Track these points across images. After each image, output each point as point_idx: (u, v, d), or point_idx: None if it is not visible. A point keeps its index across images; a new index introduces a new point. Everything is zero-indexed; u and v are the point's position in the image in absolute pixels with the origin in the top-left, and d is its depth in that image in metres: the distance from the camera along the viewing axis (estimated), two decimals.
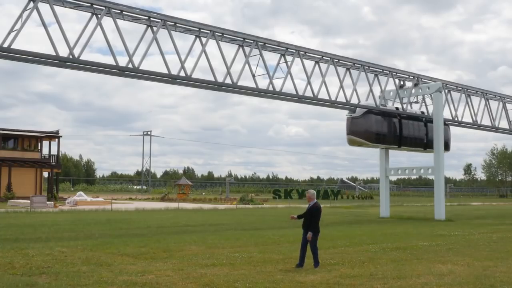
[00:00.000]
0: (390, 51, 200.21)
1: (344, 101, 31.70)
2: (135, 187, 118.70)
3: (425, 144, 36.90)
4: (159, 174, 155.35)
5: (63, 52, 21.49)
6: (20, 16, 20.60)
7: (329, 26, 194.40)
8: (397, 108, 35.20)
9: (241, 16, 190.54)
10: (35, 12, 20.66)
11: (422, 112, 37.00)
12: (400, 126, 35.13)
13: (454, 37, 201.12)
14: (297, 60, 29.65)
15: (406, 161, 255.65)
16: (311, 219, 12.70)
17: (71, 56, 21.51)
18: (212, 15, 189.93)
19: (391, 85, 36.57)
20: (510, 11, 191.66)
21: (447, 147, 38.10)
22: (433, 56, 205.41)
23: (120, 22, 23.32)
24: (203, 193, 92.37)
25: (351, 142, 33.98)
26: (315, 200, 12.93)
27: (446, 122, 37.57)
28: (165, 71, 24.40)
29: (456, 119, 39.17)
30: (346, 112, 33.15)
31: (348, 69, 32.25)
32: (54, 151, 61.23)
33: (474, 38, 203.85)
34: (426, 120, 36.93)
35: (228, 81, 26.42)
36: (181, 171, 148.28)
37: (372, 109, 33.25)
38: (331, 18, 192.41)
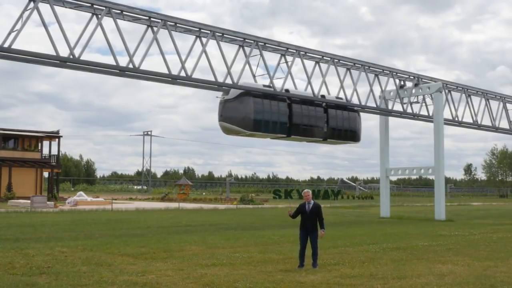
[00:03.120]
0: (389, 51, 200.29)
1: (345, 101, 31.72)
2: (135, 187, 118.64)
3: (325, 133, 31.18)
4: (159, 174, 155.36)
5: (64, 52, 21.54)
6: (21, 16, 20.62)
7: (327, 26, 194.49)
8: (287, 90, 29.07)
9: (239, 16, 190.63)
10: (35, 12, 20.67)
11: (323, 96, 30.81)
12: (290, 111, 29.20)
13: (453, 37, 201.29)
14: (297, 60, 29.69)
15: (406, 161, 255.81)
16: (317, 218, 12.71)
17: (71, 56, 21.53)
18: (211, 16, 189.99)
19: (391, 85, 36.61)
20: (508, 11, 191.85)
21: (354, 137, 32.74)
22: (431, 56, 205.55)
23: (120, 22, 23.35)
24: (203, 193, 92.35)
25: (225, 130, 28.12)
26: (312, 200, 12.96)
27: (355, 108, 32.69)
28: (165, 71, 24.42)
29: (456, 119, 39.17)
30: (219, 94, 27.71)
31: (348, 69, 32.27)
32: (54, 151, 61.31)
33: (472, 38, 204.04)
34: (327, 106, 31.20)
35: (228, 81, 26.43)
36: (181, 171, 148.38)
37: (251, 90, 27.43)
38: (330, 18, 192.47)
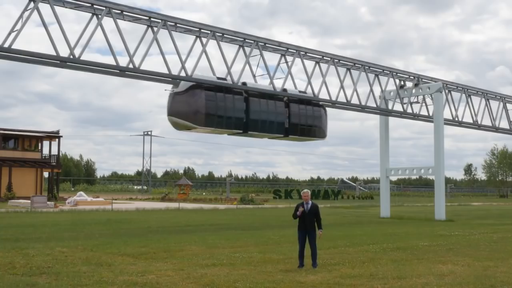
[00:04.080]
0: (389, 51, 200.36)
1: (345, 101, 31.73)
2: (135, 187, 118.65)
3: (287, 129, 29.21)
4: (159, 174, 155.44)
5: (64, 52, 21.55)
6: (21, 16, 20.62)
7: (327, 27, 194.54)
8: (244, 83, 27.39)
9: (239, 16, 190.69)
10: (35, 12, 20.68)
11: (284, 90, 28.88)
12: (247, 105, 27.31)
13: (452, 38, 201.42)
14: (298, 60, 29.69)
15: (406, 161, 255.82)
16: (315, 218, 12.71)
17: (71, 56, 21.53)
18: (211, 16, 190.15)
19: (391, 85, 36.61)
20: (507, 11, 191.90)
21: (319, 133, 30.90)
22: (431, 56, 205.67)
23: (120, 22, 23.35)
24: (204, 193, 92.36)
25: (175, 125, 26.33)
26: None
27: (320, 103, 30.84)
28: (165, 71, 24.42)
29: (456, 119, 39.17)
30: (170, 86, 25.91)
31: (348, 69, 32.28)
32: (54, 151, 61.33)
33: (472, 38, 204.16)
34: (289, 100, 29.33)
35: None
36: (181, 171, 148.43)
37: (202, 82, 25.66)
38: (329, 18, 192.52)
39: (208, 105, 25.53)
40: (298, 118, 29.38)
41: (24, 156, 57.09)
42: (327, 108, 31.27)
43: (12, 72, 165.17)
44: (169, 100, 25.91)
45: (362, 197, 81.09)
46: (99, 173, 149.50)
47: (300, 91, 29.60)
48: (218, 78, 26.24)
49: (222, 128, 26.77)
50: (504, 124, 44.11)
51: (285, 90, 28.78)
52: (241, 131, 27.51)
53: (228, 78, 26.46)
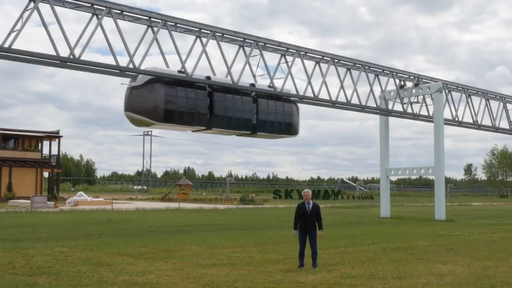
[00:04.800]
0: (388, 51, 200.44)
1: (345, 101, 31.73)
2: (135, 187, 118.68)
3: (255, 126, 27.63)
4: (159, 174, 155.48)
5: (64, 52, 21.54)
6: (21, 16, 20.62)
7: (326, 27, 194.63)
8: (208, 77, 25.86)
9: (238, 16, 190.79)
10: (35, 12, 20.68)
11: (252, 85, 27.54)
12: (211, 101, 25.84)
13: (452, 38, 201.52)
14: (298, 60, 29.69)
15: (406, 161, 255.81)
16: (316, 218, 12.72)
17: (71, 56, 21.53)
18: (210, 16, 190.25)
19: (391, 85, 36.61)
20: (506, 11, 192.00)
21: (289, 130, 29.12)
22: (431, 56, 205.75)
23: (120, 22, 23.33)
24: (204, 193, 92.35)
25: (132, 121, 24.82)
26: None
27: (291, 98, 29.31)
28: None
29: (456, 119, 39.17)
30: (127, 80, 24.47)
31: (348, 69, 32.27)
32: (54, 151, 61.35)
33: (471, 38, 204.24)
34: (257, 95, 27.75)
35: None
36: (181, 171, 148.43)
37: (162, 76, 24.29)
38: (329, 18, 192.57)
39: (167, 100, 24.17)
40: (267, 115, 27.95)
41: (24, 156, 57.09)
42: (299, 104, 29.97)
43: (12, 72, 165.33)
44: (126, 95, 24.27)
45: (362, 197, 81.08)
46: (99, 173, 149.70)
47: (269, 86, 28.22)
48: (179, 71, 24.87)
49: (183, 125, 25.44)
50: (504, 124, 44.15)
51: (253, 85, 27.53)
52: (204, 128, 26.19)
53: (192, 73, 25.25)
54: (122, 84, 24.48)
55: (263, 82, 28.46)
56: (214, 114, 25.89)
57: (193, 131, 27.41)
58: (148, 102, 23.98)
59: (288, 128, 28.98)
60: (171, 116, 24.48)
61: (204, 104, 25.56)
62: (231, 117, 26.46)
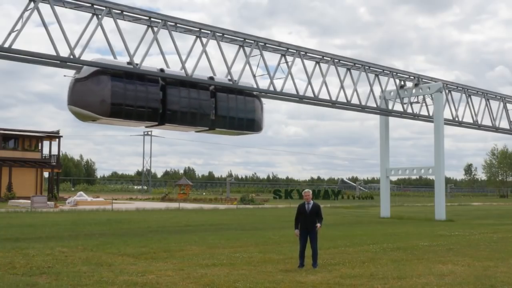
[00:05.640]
0: (388, 51, 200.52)
1: (345, 101, 31.73)
2: (135, 187, 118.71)
3: (213, 121, 26.06)
4: (159, 174, 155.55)
5: (64, 52, 21.53)
6: (21, 16, 20.62)
7: (326, 27, 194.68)
8: (161, 70, 24.35)
9: (238, 16, 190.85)
10: (35, 12, 20.68)
11: (211, 78, 25.94)
12: (164, 95, 24.25)
13: (451, 38, 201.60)
14: (298, 60, 29.69)
15: (406, 161, 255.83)
16: (317, 218, 12.71)
17: (71, 56, 21.52)
18: (210, 16, 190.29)
19: (391, 85, 36.60)
20: (506, 11, 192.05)
21: (252, 126, 27.51)
22: (430, 56, 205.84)
23: (120, 22, 23.33)
24: (204, 193, 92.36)
25: (77, 116, 23.03)
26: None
27: (255, 93, 27.76)
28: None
29: (456, 119, 39.17)
30: (72, 72, 22.68)
31: (348, 69, 32.27)
32: (54, 151, 61.35)
33: (471, 38, 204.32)
34: (216, 89, 26.14)
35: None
36: (181, 171, 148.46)
37: (109, 68, 22.65)
38: (328, 18, 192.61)
39: (114, 94, 22.51)
40: (227, 110, 26.35)
41: (24, 156, 57.09)
42: (263, 100, 28.44)
43: (12, 72, 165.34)
44: (69, 87, 22.50)
45: (362, 197, 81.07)
46: (99, 173, 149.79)
47: (230, 80, 26.64)
48: (128, 63, 23.24)
49: (133, 120, 23.86)
50: (504, 124, 44.15)
51: (211, 78, 25.95)
52: (156, 123, 24.72)
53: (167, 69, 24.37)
54: (65, 76, 22.83)
55: (263, 82, 28.45)
56: (168, 108, 24.31)
57: (146, 127, 26.29)
58: (93, 95, 22.34)
59: (250, 124, 27.38)
60: (119, 111, 22.85)
61: (156, 98, 23.97)
62: (186, 112, 24.88)
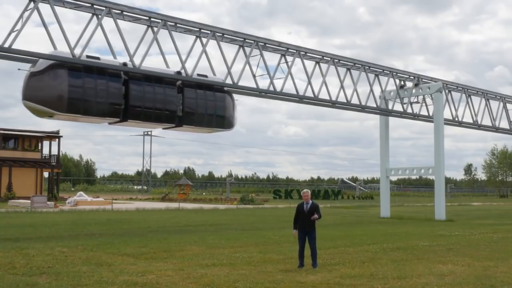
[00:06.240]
0: (388, 51, 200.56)
1: (345, 101, 31.73)
2: (135, 187, 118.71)
3: (180, 118, 24.91)
4: (159, 174, 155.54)
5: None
6: (21, 16, 20.61)
7: (325, 27, 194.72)
8: (124, 64, 23.21)
9: (237, 16, 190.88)
10: (35, 12, 20.67)
11: (179, 72, 24.86)
12: (126, 90, 23.07)
13: (451, 38, 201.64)
14: (298, 60, 29.69)
15: (406, 161, 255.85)
16: (313, 215, 12.71)
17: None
18: (209, 16, 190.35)
19: (391, 85, 36.61)
20: (505, 11, 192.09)
21: (222, 123, 26.40)
22: (430, 56, 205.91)
23: (119, 22, 23.32)
24: (204, 193, 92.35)
25: (32, 111, 21.99)
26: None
27: (226, 89, 26.63)
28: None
29: (456, 119, 39.17)
30: (26, 65, 21.69)
31: (348, 69, 32.27)
32: (54, 151, 61.33)
33: (470, 38, 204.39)
34: (184, 84, 25.02)
35: (228, 81, 26.41)
36: (181, 171, 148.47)
37: (66, 61, 21.51)
38: (328, 18, 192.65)
39: (72, 89, 21.42)
40: (195, 106, 25.26)
41: (24, 156, 57.08)
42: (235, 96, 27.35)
43: (12, 72, 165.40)
44: (24, 81, 21.50)
45: (362, 197, 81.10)
46: (99, 173, 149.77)
47: (199, 74, 25.56)
48: (88, 56, 22.24)
49: (92, 116, 22.62)
50: (504, 124, 44.16)
51: (179, 72, 24.91)
52: (118, 120, 23.54)
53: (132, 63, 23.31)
54: (19, 69, 21.77)
55: (263, 82, 28.45)
56: (131, 104, 23.17)
57: (109, 123, 24.76)
58: (49, 90, 21.29)
59: (220, 121, 26.26)
60: (77, 107, 21.80)
61: (117, 94, 22.87)
62: (150, 108, 23.76)
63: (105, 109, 22.57)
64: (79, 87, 21.69)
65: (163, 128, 26.57)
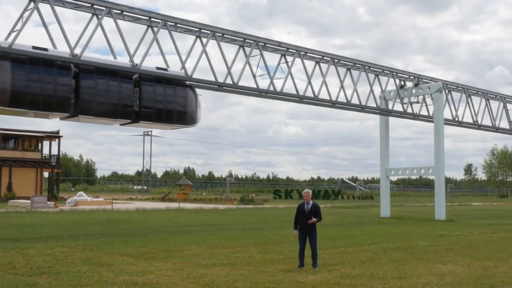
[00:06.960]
0: (387, 51, 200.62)
1: (345, 101, 31.72)
2: (135, 187, 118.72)
3: (137, 113, 23.52)
4: (159, 174, 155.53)
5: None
6: (21, 16, 20.61)
7: (325, 27, 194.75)
8: (75, 55, 21.69)
9: (237, 16, 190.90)
10: (35, 12, 20.67)
11: (135, 65, 23.38)
12: (77, 84, 21.65)
13: (450, 38, 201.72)
14: (298, 60, 29.68)
15: (406, 161, 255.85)
16: (314, 216, 12.69)
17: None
18: (209, 16, 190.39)
19: (391, 85, 36.60)
20: (505, 11, 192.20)
21: (183, 119, 24.93)
22: (429, 56, 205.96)
23: (120, 22, 23.32)
24: (204, 193, 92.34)
25: None
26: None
27: (188, 83, 25.29)
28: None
29: (456, 119, 39.17)
30: None
31: (348, 69, 32.26)
32: (54, 151, 61.36)
33: (470, 38, 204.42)
34: (141, 78, 23.71)
35: (228, 81, 26.42)
36: (181, 171, 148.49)
37: (10, 52, 20.20)
38: (328, 18, 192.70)
39: (15, 81, 20.11)
40: (153, 101, 24.01)
41: (24, 156, 57.10)
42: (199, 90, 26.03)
43: None
44: None
45: (362, 197, 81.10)
46: (99, 173, 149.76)
47: (158, 68, 24.38)
48: (35, 47, 20.89)
49: (37, 110, 21.28)
50: (504, 124, 44.15)
51: (135, 65, 23.55)
52: (67, 115, 22.12)
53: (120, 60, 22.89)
54: None
55: (263, 82, 28.46)
56: (82, 99, 21.74)
57: (61, 119, 23.24)
58: None
59: (181, 116, 24.85)
60: (21, 100, 20.47)
61: (67, 87, 21.43)
62: (103, 102, 22.33)
63: (52, 103, 21.21)
64: (24, 79, 20.42)
65: (120, 124, 25.02)
